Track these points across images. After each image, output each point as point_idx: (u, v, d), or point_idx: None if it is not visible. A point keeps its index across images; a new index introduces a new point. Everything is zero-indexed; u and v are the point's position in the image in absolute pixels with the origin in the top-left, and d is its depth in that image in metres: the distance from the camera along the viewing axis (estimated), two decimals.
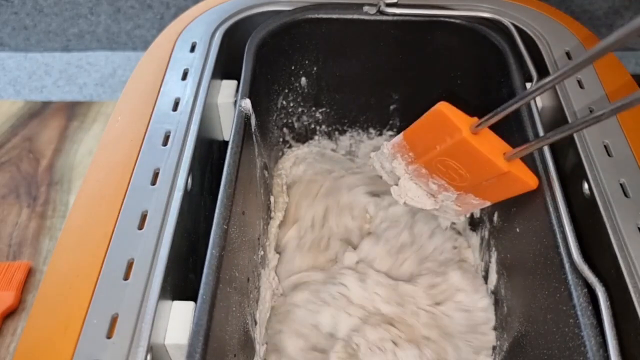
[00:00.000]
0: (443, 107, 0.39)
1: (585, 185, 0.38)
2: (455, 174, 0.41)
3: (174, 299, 0.35)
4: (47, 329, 0.32)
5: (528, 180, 0.39)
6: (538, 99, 0.46)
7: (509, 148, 0.39)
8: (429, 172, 0.43)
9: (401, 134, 0.44)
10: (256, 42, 0.50)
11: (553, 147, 0.41)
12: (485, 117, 0.37)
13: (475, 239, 0.53)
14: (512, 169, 0.38)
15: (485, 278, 0.50)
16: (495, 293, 0.47)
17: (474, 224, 0.55)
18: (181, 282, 0.37)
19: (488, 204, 0.43)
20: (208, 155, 0.46)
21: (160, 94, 0.45)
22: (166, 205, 0.37)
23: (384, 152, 0.46)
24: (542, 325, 0.37)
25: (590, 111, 0.43)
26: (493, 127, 0.48)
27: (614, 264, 0.34)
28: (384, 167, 0.47)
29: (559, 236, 0.36)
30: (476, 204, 0.43)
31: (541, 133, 0.42)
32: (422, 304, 0.49)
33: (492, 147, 0.38)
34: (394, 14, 0.52)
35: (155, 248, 0.35)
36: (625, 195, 0.37)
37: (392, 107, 0.60)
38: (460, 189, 0.43)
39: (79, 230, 0.36)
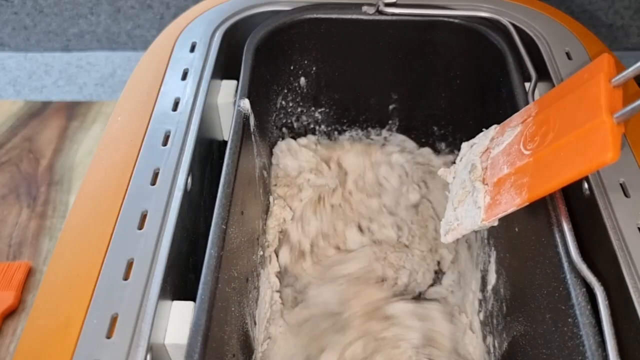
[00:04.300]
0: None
1: (585, 185, 0.38)
2: (544, 131, 0.36)
3: (173, 298, 0.35)
4: (47, 329, 0.32)
5: (605, 149, 0.30)
6: (537, 95, 0.46)
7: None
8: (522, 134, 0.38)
9: (534, 103, 0.39)
10: (255, 42, 0.50)
11: None
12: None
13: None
14: (610, 123, 0.30)
15: (485, 278, 0.50)
16: (494, 293, 0.47)
17: None
18: (181, 282, 0.37)
19: (518, 202, 0.36)
20: (208, 155, 0.46)
21: (160, 94, 0.45)
22: (166, 205, 0.37)
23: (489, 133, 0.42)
24: (541, 324, 0.37)
25: None
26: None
27: (614, 263, 0.34)
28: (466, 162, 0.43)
29: (557, 235, 0.36)
30: (509, 202, 0.37)
31: None
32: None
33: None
34: (393, 14, 0.52)
35: (155, 248, 0.35)
36: (625, 195, 0.37)
37: (391, 107, 0.60)
38: (531, 157, 0.36)
39: (79, 230, 0.36)
